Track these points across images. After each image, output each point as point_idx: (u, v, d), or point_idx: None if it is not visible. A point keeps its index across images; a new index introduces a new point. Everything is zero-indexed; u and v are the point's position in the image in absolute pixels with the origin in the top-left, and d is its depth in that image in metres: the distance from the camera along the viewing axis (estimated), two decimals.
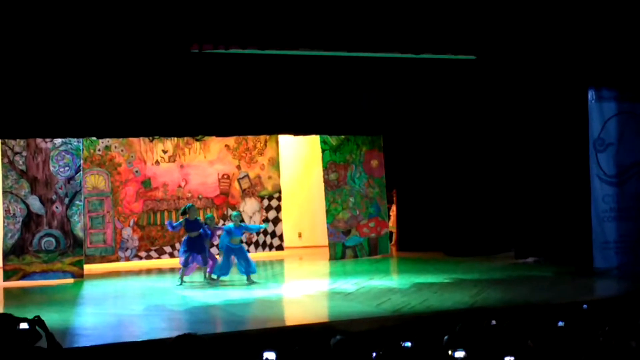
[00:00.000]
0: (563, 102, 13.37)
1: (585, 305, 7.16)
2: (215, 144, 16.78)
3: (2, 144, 13.69)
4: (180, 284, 13.13)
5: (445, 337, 5.82)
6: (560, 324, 6.53)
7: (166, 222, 14.27)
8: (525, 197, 14.92)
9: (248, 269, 13.22)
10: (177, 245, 16.03)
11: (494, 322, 6.51)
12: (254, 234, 16.45)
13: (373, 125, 14.48)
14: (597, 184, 13.28)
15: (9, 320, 5.66)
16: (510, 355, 5.25)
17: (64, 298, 12.32)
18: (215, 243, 14.39)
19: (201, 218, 14.28)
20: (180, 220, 13.71)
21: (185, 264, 13.25)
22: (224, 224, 14.95)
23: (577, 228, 13.63)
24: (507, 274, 13.45)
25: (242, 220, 13.89)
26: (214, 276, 13.34)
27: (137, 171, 16.19)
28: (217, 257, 13.93)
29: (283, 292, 12.87)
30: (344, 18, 11.23)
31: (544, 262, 14.46)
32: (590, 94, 13.30)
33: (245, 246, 14.25)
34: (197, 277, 13.57)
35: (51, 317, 8.87)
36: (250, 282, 13.12)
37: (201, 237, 13.27)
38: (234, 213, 14.02)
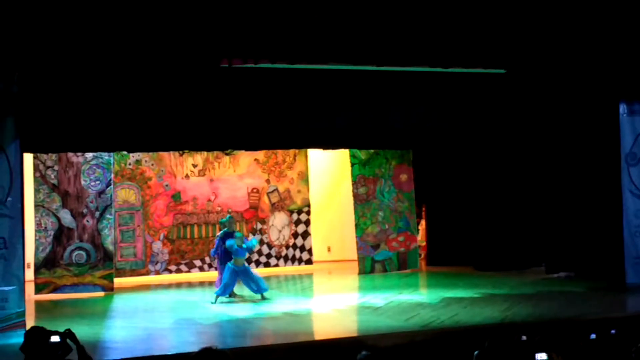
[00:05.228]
0: (594, 116, 13.27)
1: (613, 331, 7.05)
2: (245, 158, 16.85)
3: (34, 158, 13.81)
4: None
5: (475, 353, 5.78)
6: (592, 336, 6.47)
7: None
8: (556, 211, 14.81)
9: (260, 287, 12.85)
10: (207, 259, 16.14)
11: (524, 337, 6.46)
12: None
13: (402, 139, 14.45)
14: (629, 199, 13.14)
15: (41, 333, 5.71)
16: None
17: (94, 311, 12.39)
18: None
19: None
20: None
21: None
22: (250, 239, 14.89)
23: (609, 243, 13.49)
24: (538, 289, 13.34)
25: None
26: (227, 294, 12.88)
27: (167, 185, 16.29)
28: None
29: (312, 306, 12.84)
30: (374, 32, 11.26)
31: (575, 277, 14.33)
32: (622, 108, 13.18)
33: (250, 265, 13.82)
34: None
35: (82, 330, 8.92)
36: (264, 298, 12.82)
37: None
38: (238, 233, 13.31)
